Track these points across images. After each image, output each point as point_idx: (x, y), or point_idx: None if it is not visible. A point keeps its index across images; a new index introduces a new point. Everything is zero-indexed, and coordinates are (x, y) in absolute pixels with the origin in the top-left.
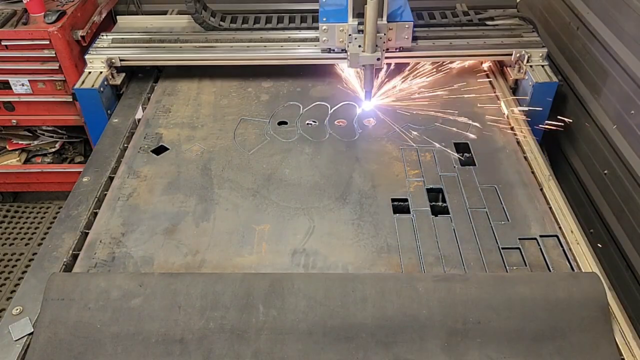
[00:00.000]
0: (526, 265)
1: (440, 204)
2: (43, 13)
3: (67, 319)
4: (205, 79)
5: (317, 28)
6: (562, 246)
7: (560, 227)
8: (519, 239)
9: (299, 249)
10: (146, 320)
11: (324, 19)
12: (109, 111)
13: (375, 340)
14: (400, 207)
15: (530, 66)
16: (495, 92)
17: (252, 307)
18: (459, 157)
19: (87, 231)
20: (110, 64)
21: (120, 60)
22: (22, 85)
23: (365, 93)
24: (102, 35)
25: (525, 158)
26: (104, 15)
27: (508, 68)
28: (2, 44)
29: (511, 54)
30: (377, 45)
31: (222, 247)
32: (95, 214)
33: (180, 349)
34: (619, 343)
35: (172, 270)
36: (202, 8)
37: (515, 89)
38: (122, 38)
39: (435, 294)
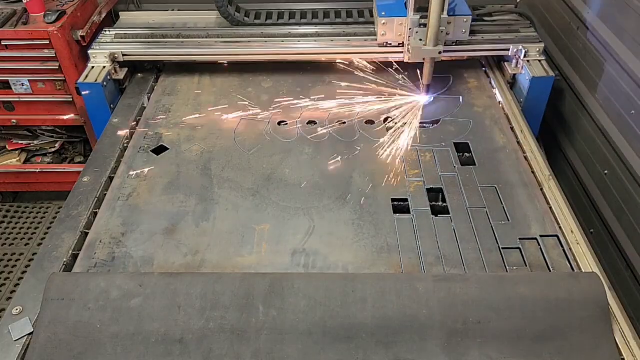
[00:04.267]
0: (526, 265)
1: (440, 204)
2: (43, 13)
3: (67, 319)
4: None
5: (348, 23)
6: (562, 246)
7: (560, 227)
8: (519, 239)
9: (299, 249)
10: (146, 320)
11: (383, 13)
12: (112, 105)
13: (375, 340)
14: (400, 207)
15: (528, 61)
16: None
17: (252, 307)
18: (459, 157)
19: (87, 231)
20: (113, 59)
21: (123, 55)
22: (22, 85)
23: (425, 87)
24: (105, 31)
25: (526, 158)
26: (104, 15)
27: (506, 63)
28: (2, 44)
29: (509, 49)
30: (438, 39)
31: (222, 247)
32: (95, 214)
33: (180, 349)
34: (619, 343)
35: (172, 270)
36: (228, 2)
37: (512, 83)
38: (125, 34)
39: (435, 294)
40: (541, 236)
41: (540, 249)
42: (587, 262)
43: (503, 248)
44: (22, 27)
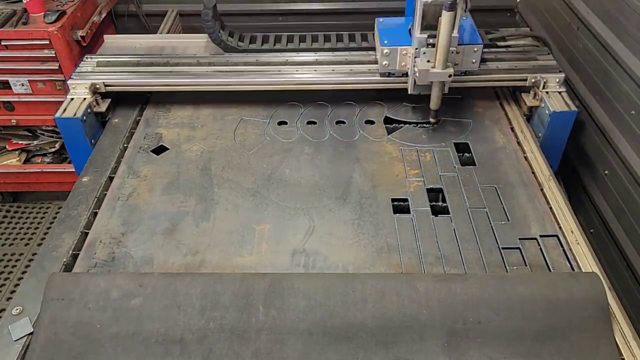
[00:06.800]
0: (526, 265)
1: (440, 204)
2: (43, 13)
3: (67, 319)
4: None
5: (350, 49)
6: (562, 246)
7: (560, 227)
8: (519, 239)
9: (299, 249)
10: (146, 320)
11: (385, 42)
12: (92, 140)
13: (375, 340)
14: (400, 207)
15: (547, 92)
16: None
17: (252, 307)
18: (459, 157)
19: (87, 231)
20: (94, 90)
21: (105, 85)
22: (22, 85)
23: (431, 113)
24: (87, 58)
25: (526, 158)
26: (103, 16)
27: (522, 94)
28: (2, 44)
29: (526, 79)
30: (448, 61)
31: (222, 247)
32: (95, 214)
33: (180, 349)
34: (619, 343)
35: (172, 270)
36: (220, 27)
37: (529, 116)
38: (108, 61)
39: (435, 294)
40: (541, 236)
41: (540, 249)
42: (587, 262)
43: (503, 248)
44: (22, 27)
